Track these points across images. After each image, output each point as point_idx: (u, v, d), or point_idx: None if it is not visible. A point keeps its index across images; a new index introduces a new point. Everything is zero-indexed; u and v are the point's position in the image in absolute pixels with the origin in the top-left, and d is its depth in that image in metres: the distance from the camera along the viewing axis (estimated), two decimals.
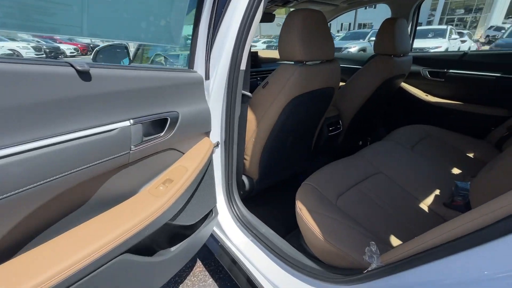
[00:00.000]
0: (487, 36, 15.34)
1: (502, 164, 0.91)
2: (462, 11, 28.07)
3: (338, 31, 27.32)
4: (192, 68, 0.80)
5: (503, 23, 20.19)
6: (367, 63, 1.59)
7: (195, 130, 0.81)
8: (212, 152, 0.95)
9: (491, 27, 16.87)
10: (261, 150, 1.24)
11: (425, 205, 1.08)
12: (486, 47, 11.28)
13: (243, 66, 0.95)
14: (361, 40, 11.31)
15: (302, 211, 0.94)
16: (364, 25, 28.02)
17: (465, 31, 13.33)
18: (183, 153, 0.80)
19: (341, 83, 2.36)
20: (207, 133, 0.93)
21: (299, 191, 1.05)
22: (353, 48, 10.15)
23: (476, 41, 14.04)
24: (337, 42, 11.39)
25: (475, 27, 24.61)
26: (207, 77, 0.89)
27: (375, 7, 28.18)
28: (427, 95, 1.86)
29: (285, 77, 1.06)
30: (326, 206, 0.95)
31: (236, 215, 1.14)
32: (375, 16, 27.29)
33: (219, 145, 1.05)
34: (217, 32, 0.90)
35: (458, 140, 1.54)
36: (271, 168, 1.37)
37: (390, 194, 1.09)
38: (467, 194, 1.04)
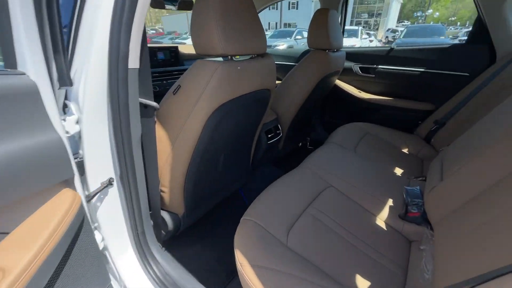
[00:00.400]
0: (386, 37, 18.07)
1: (450, 174, 0.82)
2: (366, 15, 32.67)
3: (266, 30, 28.34)
4: (15, 68, 0.42)
5: (396, 26, 24.24)
6: (302, 59, 1.42)
7: (28, 186, 0.42)
8: (82, 208, 0.58)
9: (389, 29, 20.00)
10: (184, 177, 0.92)
11: (381, 220, 0.94)
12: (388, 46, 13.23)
13: (134, 64, 0.61)
14: (288, 38, 11.83)
15: (243, 267, 0.67)
16: (289, 25, 29.81)
17: (371, 32, 15.45)
18: (8, 233, 0.42)
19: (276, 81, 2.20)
20: (68, 181, 0.55)
21: (238, 232, 0.78)
22: (282, 46, 10.51)
23: (380, 40, 16.44)
24: (267, 40, 11.66)
25: (377, 29, 28.94)
26: (65, 82, 0.52)
27: (297, 8, 30.31)
28: (360, 92, 1.83)
29: (203, 78, 0.76)
30: (275, 253, 0.70)
31: (154, 275, 0.80)
32: (298, 16, 29.37)
33: (114, 183, 0.69)
34: (82, 4, 0.54)
35: (392, 135, 1.54)
36: (201, 195, 1.06)
37: (345, 214, 0.93)
38: (421, 202, 0.94)
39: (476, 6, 1.34)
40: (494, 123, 0.80)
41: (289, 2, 30.57)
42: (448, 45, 1.49)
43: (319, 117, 2.07)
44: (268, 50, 2.22)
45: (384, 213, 0.96)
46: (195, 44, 0.81)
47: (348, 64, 1.82)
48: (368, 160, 1.28)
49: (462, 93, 1.41)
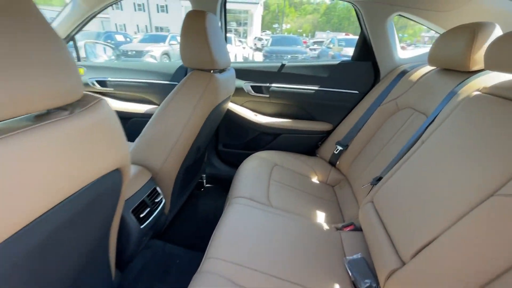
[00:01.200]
0: (255, 44, 19.98)
1: (413, 253, 0.60)
2: (235, 23, 35.35)
3: (135, 33, 25.50)
4: None
5: (261, 35, 27.43)
6: (179, 85, 0.95)
7: None
8: None
9: (255, 37, 22.25)
10: None
11: None
12: (258, 53, 14.58)
13: None
14: (162, 43, 10.88)
15: None
16: (162, 29, 28.07)
17: (243, 40, 16.61)
18: None
19: (149, 108, 1.61)
20: None
21: None
22: (156, 51, 9.50)
23: (251, 47, 17.93)
24: (136, 45, 10.46)
25: (246, 37, 31.85)
26: None
27: (167, 12, 28.92)
28: (256, 115, 1.55)
29: None
30: None
31: None
32: (169, 20, 28.08)
33: None
34: None
35: (298, 163, 1.36)
36: None
37: None
38: (374, 284, 0.70)
39: (360, 23, 1.29)
40: (441, 164, 0.63)
41: (157, 5, 28.62)
42: (337, 62, 1.42)
43: (213, 147, 1.66)
44: (133, 64, 1.60)
45: None
46: None
47: (238, 82, 1.49)
48: (287, 213, 0.98)
49: (356, 111, 1.35)
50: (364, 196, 1.01)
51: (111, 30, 22.53)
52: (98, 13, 1.42)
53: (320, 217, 1.04)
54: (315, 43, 15.29)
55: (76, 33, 1.55)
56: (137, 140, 0.94)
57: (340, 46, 9.59)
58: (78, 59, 1.69)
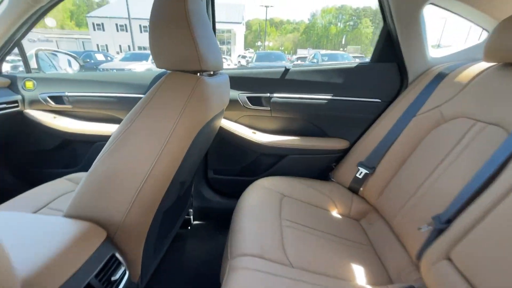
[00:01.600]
0: (239, 62, 20.24)
1: None
2: (218, 42, 35.96)
3: (117, 53, 25.21)
4: None
5: (244, 53, 27.93)
6: (153, 92, 0.63)
7: None
8: None
9: (239, 55, 22.61)
10: None
11: None
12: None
13: None
14: (144, 62, 10.68)
15: None
16: (145, 48, 27.97)
17: (227, 57, 16.71)
18: None
19: (114, 135, 1.26)
20: None
21: None
22: (139, 69, 9.24)
23: (235, 64, 18.08)
24: (117, 63, 10.32)
25: (230, 55, 32.36)
26: None
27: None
28: (255, 132, 1.25)
29: None
30: None
31: None
32: None
33: None
34: None
35: (310, 191, 1.07)
36: None
37: None
38: None
39: (384, 16, 1.06)
40: None
41: (140, 26, 28.62)
42: (353, 65, 1.16)
43: (201, 175, 1.33)
44: (95, 77, 1.27)
45: None
46: None
47: (231, 93, 1.20)
48: (315, 276, 0.67)
49: (380, 124, 1.09)
50: (421, 242, 0.72)
51: (91, 50, 22.11)
52: (49, 9, 1.11)
53: (359, 275, 0.73)
54: (298, 58, 15.60)
55: (23, 37, 1.22)
56: (83, 180, 0.61)
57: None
58: (28, 70, 1.34)
